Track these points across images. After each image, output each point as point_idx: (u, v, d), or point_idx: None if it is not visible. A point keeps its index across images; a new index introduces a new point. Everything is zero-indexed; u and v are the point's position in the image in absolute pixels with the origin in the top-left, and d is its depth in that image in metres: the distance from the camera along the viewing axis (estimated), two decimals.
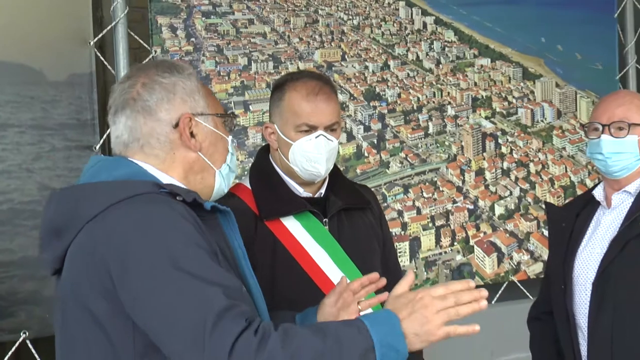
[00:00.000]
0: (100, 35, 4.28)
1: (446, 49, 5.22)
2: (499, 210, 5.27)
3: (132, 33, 4.30)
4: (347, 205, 3.10)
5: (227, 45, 4.61)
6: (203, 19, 4.56)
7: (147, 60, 4.37)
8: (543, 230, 5.34)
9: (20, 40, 4.10)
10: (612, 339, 3.07)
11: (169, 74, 2.25)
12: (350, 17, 4.97)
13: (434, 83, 5.15)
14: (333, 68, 4.88)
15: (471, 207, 5.19)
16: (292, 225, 3.01)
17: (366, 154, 4.92)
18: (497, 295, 5.24)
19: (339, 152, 3.07)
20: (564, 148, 5.51)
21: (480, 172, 5.24)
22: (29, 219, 4.05)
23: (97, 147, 4.22)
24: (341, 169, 3.26)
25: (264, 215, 2.97)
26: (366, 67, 4.97)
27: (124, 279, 1.98)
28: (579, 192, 5.36)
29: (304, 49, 4.81)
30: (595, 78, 5.65)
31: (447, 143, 5.16)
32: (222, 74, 4.57)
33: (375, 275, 2.64)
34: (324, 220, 3.05)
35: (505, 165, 5.31)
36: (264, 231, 2.96)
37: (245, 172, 3.03)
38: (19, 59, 4.12)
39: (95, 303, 2.03)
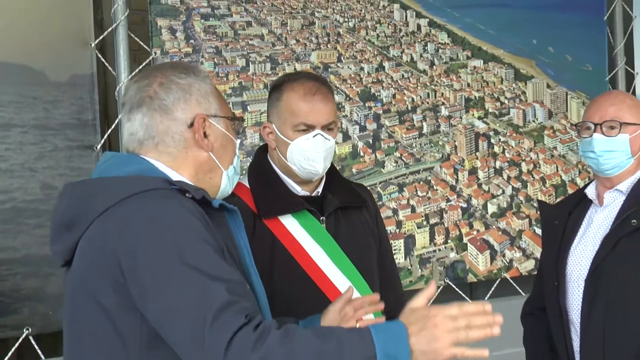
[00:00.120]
0: (101, 37, 4.29)
1: (440, 50, 5.22)
2: (491, 208, 5.27)
3: (132, 35, 4.30)
4: (344, 203, 3.09)
5: (226, 47, 4.61)
6: (202, 21, 4.56)
7: (147, 61, 4.37)
8: (535, 228, 5.35)
9: (23, 41, 4.10)
10: (604, 335, 3.07)
11: (186, 75, 2.26)
12: (346, 19, 4.96)
13: (428, 84, 5.15)
14: (329, 69, 4.87)
15: (464, 205, 5.19)
16: (290, 223, 3.00)
17: (362, 154, 4.91)
18: (490, 292, 5.24)
19: (335, 152, 3.06)
20: (555, 148, 5.51)
21: (473, 171, 5.24)
22: (31, 218, 4.06)
23: (99, 146, 4.22)
24: (337, 168, 3.26)
25: (262, 213, 2.96)
26: (361, 69, 4.97)
27: (134, 271, 1.99)
28: (570, 190, 5.37)
29: (300, 51, 4.81)
30: (586, 79, 5.65)
31: (440, 143, 5.16)
32: (220, 75, 4.56)
33: (376, 297, 2.69)
34: (321, 218, 3.03)
35: (498, 164, 5.31)
36: (263, 229, 2.95)
37: (244, 171, 3.02)
38: (21, 60, 4.12)
39: (105, 295, 2.04)
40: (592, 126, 3.16)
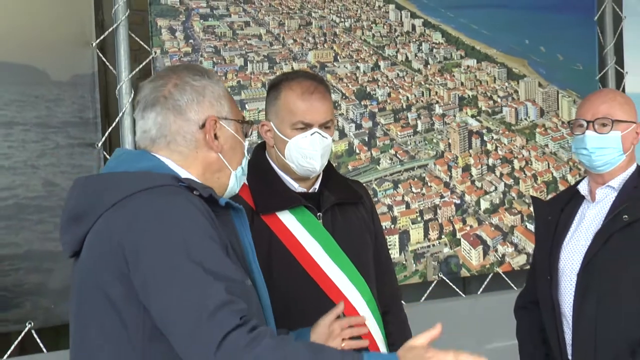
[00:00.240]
0: (102, 37, 4.27)
1: (434, 50, 5.21)
2: (484, 204, 5.26)
3: (132, 35, 4.30)
4: (340, 200, 3.08)
5: (224, 47, 4.60)
6: (201, 21, 4.55)
7: (146, 61, 4.36)
8: (527, 223, 5.35)
9: (26, 42, 4.09)
10: (595, 328, 3.08)
11: (200, 77, 2.28)
12: (342, 19, 4.95)
13: (423, 83, 5.14)
14: (326, 68, 4.86)
15: (458, 201, 5.18)
16: (288, 219, 3.00)
17: (357, 151, 4.91)
18: (483, 286, 5.24)
19: (331, 149, 3.05)
20: (546, 145, 5.51)
21: (466, 168, 5.23)
22: (33, 214, 4.05)
23: (99, 144, 4.21)
24: (334, 165, 3.25)
25: (260, 209, 2.96)
26: (357, 68, 4.96)
27: (137, 263, 2.01)
28: (561, 187, 5.38)
29: (298, 50, 4.80)
30: (576, 78, 5.65)
31: (435, 140, 5.15)
32: (219, 74, 4.54)
33: (362, 319, 2.74)
34: (318, 214, 3.03)
35: (491, 161, 5.31)
36: (261, 225, 2.94)
37: None
38: (24, 60, 4.11)
39: (111, 286, 2.05)
40: (585, 123, 3.17)
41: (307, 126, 2.93)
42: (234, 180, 2.35)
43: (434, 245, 5.09)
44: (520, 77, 5.47)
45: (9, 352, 3.96)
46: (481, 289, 5.24)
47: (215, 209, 2.18)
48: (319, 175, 3.08)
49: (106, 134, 4.24)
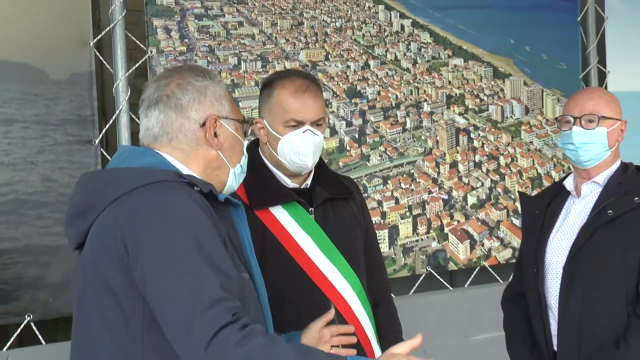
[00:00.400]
0: (99, 37, 4.27)
1: (422, 49, 5.20)
2: (471, 200, 5.26)
3: (129, 34, 4.28)
4: (331, 195, 3.08)
5: (218, 46, 4.58)
6: (196, 21, 4.53)
7: (142, 60, 4.35)
8: (512, 218, 5.35)
9: (25, 42, 4.09)
10: (580, 320, 3.09)
11: (202, 77, 2.31)
12: (333, 19, 4.94)
13: (411, 81, 5.14)
14: (317, 67, 4.85)
15: (446, 197, 5.18)
16: (281, 214, 3.00)
17: (348, 148, 4.90)
18: (470, 280, 5.24)
19: (323, 146, 3.05)
20: (531, 142, 5.51)
21: (454, 165, 5.23)
22: (32, 209, 4.05)
23: (97, 141, 4.21)
24: (325, 161, 3.25)
25: (254, 204, 2.95)
26: (348, 67, 4.95)
27: (137, 254, 2.02)
28: (546, 183, 5.38)
29: (290, 50, 4.79)
30: (560, 77, 5.65)
31: (423, 137, 5.15)
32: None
33: (351, 328, 2.73)
34: (310, 209, 3.03)
35: (477, 158, 5.30)
36: (254, 220, 2.92)
37: None
38: (23, 59, 4.11)
39: (113, 277, 2.07)
40: (572, 119, 3.18)
41: (299, 124, 2.93)
42: (233, 178, 2.36)
43: (422, 239, 5.09)
44: (505, 76, 5.47)
45: (8, 344, 3.95)
46: (468, 282, 5.24)
47: (215, 204, 2.19)
48: (310, 172, 3.07)
49: (103, 131, 4.23)
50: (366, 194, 4.83)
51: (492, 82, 5.42)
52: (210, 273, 2.00)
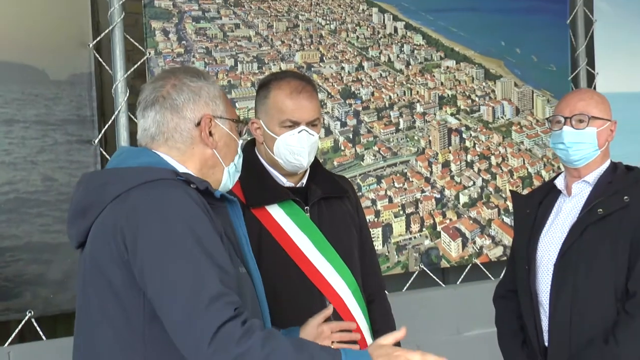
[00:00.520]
0: (98, 39, 4.26)
1: (415, 51, 5.20)
2: (463, 198, 5.26)
3: (127, 36, 4.28)
4: (326, 194, 3.08)
5: (215, 48, 4.58)
6: (193, 23, 4.52)
7: (141, 61, 4.34)
8: (503, 217, 5.35)
9: (26, 43, 4.09)
10: (570, 316, 3.09)
11: (197, 78, 2.32)
12: (328, 22, 4.94)
13: (404, 83, 5.13)
14: (312, 69, 4.85)
15: (438, 196, 5.18)
16: (277, 212, 3.00)
17: (342, 148, 4.90)
18: (462, 277, 5.24)
19: (318, 146, 3.05)
20: (522, 142, 5.51)
21: (446, 164, 5.22)
22: (33, 207, 4.05)
23: (96, 141, 4.20)
24: (320, 161, 3.24)
25: (250, 203, 2.95)
26: (342, 68, 4.95)
27: (136, 250, 2.03)
28: (536, 182, 5.38)
29: (285, 51, 4.78)
30: (550, 79, 5.66)
31: (416, 138, 5.14)
32: (210, 74, 4.52)
33: (352, 325, 2.76)
34: (306, 208, 3.03)
35: (469, 157, 5.30)
36: (251, 218, 2.92)
37: None
38: (24, 60, 4.10)
39: (113, 273, 2.08)
40: (563, 119, 3.19)
41: (294, 124, 2.93)
42: (227, 176, 2.36)
43: (415, 237, 5.09)
44: (496, 78, 5.47)
45: (9, 340, 3.95)
46: (460, 279, 5.24)
47: (211, 201, 2.21)
48: (306, 171, 3.07)
49: (102, 131, 4.23)
50: (360, 193, 4.83)
51: (484, 84, 5.42)
52: (209, 268, 2.00)
